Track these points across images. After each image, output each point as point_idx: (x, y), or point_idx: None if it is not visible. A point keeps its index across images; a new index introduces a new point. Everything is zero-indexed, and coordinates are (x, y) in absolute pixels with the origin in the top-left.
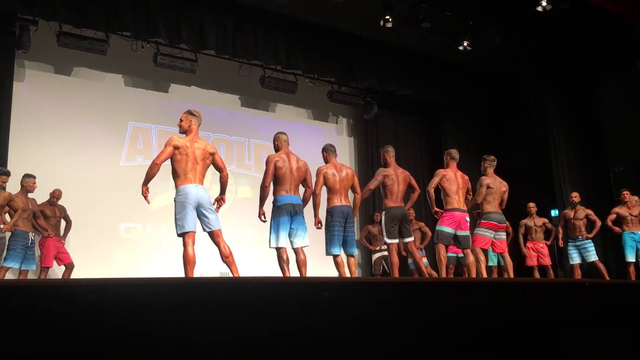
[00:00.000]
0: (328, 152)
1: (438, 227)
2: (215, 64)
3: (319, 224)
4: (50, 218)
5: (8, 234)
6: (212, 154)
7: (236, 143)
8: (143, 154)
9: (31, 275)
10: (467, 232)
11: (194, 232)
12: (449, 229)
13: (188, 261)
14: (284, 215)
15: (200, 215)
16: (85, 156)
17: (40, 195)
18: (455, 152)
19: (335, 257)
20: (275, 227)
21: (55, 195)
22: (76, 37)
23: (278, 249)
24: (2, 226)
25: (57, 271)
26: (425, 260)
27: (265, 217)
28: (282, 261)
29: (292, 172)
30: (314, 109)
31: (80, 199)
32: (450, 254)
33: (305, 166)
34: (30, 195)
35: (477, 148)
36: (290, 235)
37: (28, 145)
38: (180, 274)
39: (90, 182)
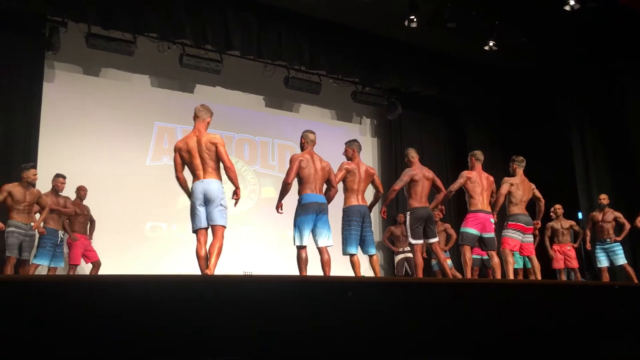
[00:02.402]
0: (355, 147)
1: (463, 229)
2: (240, 65)
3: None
4: (79, 215)
5: (36, 232)
6: (215, 144)
7: (260, 143)
8: (169, 153)
9: (60, 273)
10: (492, 234)
11: (205, 229)
12: (473, 231)
13: (198, 257)
14: (309, 214)
15: (207, 209)
16: (112, 156)
17: (68, 195)
18: (479, 154)
19: (351, 256)
20: (299, 225)
21: (83, 190)
22: (104, 38)
23: (299, 248)
24: (32, 224)
25: (85, 269)
26: (449, 262)
27: (282, 210)
28: (300, 260)
29: (316, 172)
30: (337, 109)
31: (107, 198)
32: (474, 256)
33: (329, 166)
34: (62, 194)
35: (501, 149)
36: (314, 235)
37: (57, 145)
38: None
39: (117, 181)
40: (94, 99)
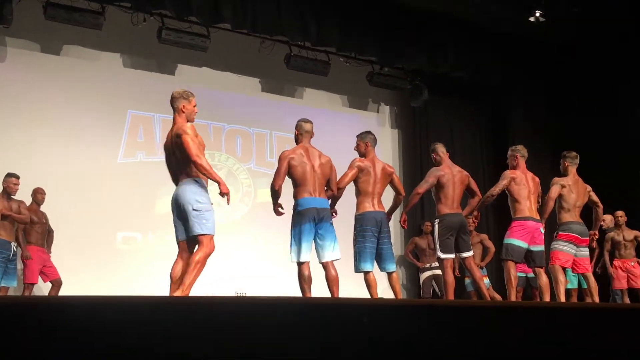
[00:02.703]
0: (369, 141)
1: (507, 240)
2: (231, 41)
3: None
4: (35, 224)
5: None
6: (179, 136)
7: (256, 136)
8: (145, 148)
9: (12, 294)
10: (542, 247)
11: (183, 242)
12: (521, 243)
13: (200, 269)
14: (307, 222)
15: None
16: (75, 151)
17: (22, 198)
18: (523, 149)
19: (366, 274)
20: (296, 236)
21: (40, 193)
22: (66, 8)
23: (299, 264)
24: None
25: (42, 288)
26: (486, 280)
27: (283, 209)
28: (302, 279)
29: (313, 170)
30: (350, 94)
31: (69, 203)
32: (518, 274)
33: (330, 162)
34: (14, 198)
35: (549, 144)
36: (316, 247)
37: (7, 138)
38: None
39: (81, 182)
40: (54, 83)
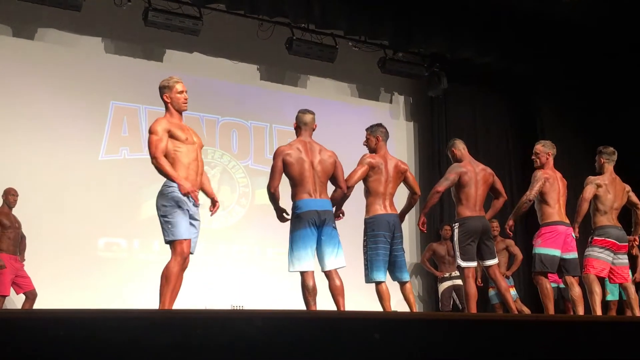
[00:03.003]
0: (380, 135)
1: (539, 250)
2: (226, 23)
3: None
4: (7, 229)
5: None
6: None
7: (254, 130)
8: (129, 144)
9: None
10: (575, 254)
11: (190, 240)
12: (554, 251)
13: (169, 279)
14: (307, 227)
15: None
16: (51, 147)
17: None
18: (553, 146)
19: (378, 284)
20: (295, 243)
21: (12, 194)
22: None
23: (302, 274)
24: None
25: (15, 301)
26: (513, 291)
27: (288, 215)
28: (306, 291)
29: (312, 167)
30: (359, 83)
31: (44, 206)
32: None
33: (334, 157)
34: None
35: (585, 139)
36: (318, 254)
37: None
38: (178, 304)
39: (58, 182)
40: (27, 71)
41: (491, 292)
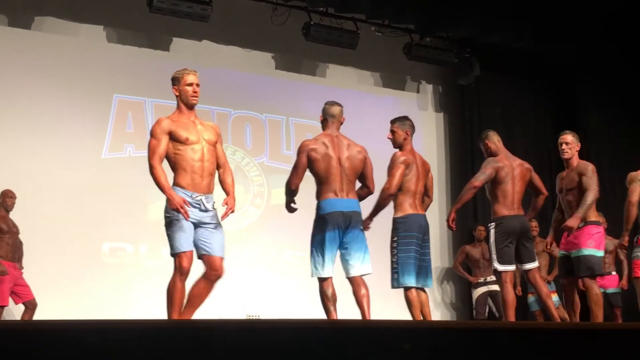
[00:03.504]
0: (410, 129)
1: (589, 251)
2: (238, 8)
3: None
4: (5, 234)
5: None
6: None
7: (269, 124)
8: (135, 141)
9: None
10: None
11: (192, 251)
12: (601, 252)
13: (172, 295)
14: (331, 229)
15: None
16: (50, 145)
17: None
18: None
19: (407, 290)
20: (317, 246)
21: (10, 196)
22: None
23: (321, 281)
24: None
25: (14, 311)
26: (555, 297)
27: (295, 204)
28: (325, 298)
29: (340, 163)
30: (383, 71)
31: (44, 208)
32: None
33: (363, 153)
34: None
35: (632, 130)
36: (343, 259)
37: None
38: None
39: (58, 183)
40: (24, 63)
41: (531, 298)
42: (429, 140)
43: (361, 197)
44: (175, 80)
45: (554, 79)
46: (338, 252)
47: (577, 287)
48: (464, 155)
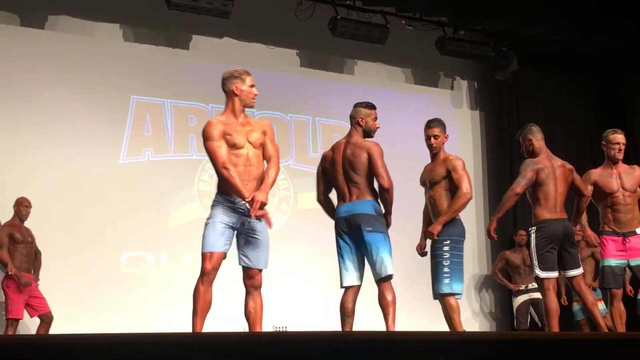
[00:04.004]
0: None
1: None
2: (260, 3)
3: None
4: (19, 243)
5: None
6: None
7: (294, 124)
8: (153, 144)
9: None
10: None
11: (222, 254)
12: None
13: (194, 298)
14: (337, 237)
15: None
16: (65, 150)
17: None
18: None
19: (451, 298)
20: (338, 255)
21: (25, 205)
22: None
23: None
24: None
25: (29, 325)
26: (602, 305)
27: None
28: (340, 310)
29: (341, 166)
30: (415, 67)
31: (59, 217)
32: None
33: (363, 147)
34: None
35: None
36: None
37: None
38: (210, 326)
39: (74, 189)
40: (38, 64)
41: (576, 306)
42: (464, 139)
43: (381, 196)
44: (236, 80)
45: (598, 72)
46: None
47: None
48: (502, 155)
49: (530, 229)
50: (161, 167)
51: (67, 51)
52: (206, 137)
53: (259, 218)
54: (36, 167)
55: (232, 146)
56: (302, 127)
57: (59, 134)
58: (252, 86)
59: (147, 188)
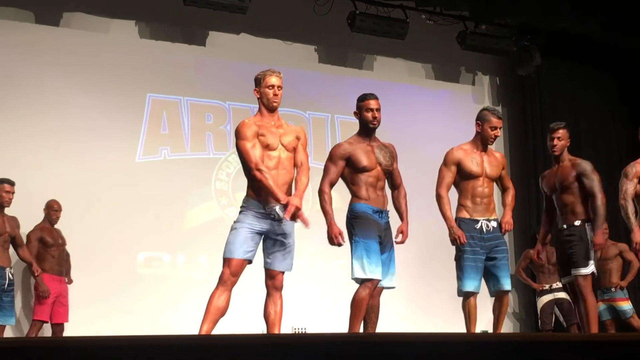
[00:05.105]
0: None
1: None
2: None
3: None
4: (50, 247)
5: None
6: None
7: (313, 122)
8: (170, 143)
9: (9, 334)
10: None
11: (242, 261)
12: None
13: (208, 302)
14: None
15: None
16: (81, 149)
17: (15, 211)
18: None
19: (467, 296)
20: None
21: (55, 209)
22: None
23: None
24: None
25: (45, 327)
26: (629, 305)
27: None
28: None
29: None
30: (435, 62)
31: (74, 216)
32: None
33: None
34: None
35: None
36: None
37: None
38: (227, 327)
39: (89, 190)
40: (53, 61)
41: (601, 306)
42: None
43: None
44: (257, 82)
45: (624, 67)
46: None
47: None
48: (526, 152)
49: (585, 224)
50: (178, 165)
51: (82, 49)
52: (239, 136)
53: (294, 219)
54: (52, 167)
55: (266, 147)
56: (321, 124)
57: (74, 132)
58: (271, 86)
59: (164, 187)
